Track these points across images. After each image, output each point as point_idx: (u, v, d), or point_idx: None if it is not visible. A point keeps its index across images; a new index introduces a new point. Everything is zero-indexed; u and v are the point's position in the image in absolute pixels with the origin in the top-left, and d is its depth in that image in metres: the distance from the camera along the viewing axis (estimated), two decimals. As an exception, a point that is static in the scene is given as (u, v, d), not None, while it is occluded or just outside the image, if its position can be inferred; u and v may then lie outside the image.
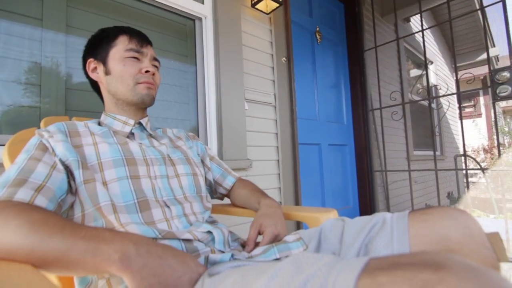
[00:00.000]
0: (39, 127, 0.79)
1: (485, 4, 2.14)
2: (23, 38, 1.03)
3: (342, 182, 2.39)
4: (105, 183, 0.60)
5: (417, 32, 2.46)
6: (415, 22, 3.84)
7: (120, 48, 0.72)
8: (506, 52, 1.90)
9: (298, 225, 1.73)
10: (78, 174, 0.58)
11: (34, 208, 0.46)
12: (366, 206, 2.46)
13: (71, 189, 0.58)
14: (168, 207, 0.64)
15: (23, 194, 0.49)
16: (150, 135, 0.77)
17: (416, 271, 0.24)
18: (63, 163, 0.58)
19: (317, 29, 2.24)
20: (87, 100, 1.13)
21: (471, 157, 2.93)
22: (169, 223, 0.61)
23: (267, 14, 1.70)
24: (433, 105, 4.16)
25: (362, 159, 2.50)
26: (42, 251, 0.40)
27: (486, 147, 7.38)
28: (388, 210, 2.54)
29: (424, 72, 2.42)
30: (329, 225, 0.57)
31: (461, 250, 0.44)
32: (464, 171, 2.15)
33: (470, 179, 5.41)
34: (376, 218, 0.52)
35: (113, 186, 0.60)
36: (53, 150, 0.59)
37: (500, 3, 1.93)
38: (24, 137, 0.72)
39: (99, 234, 0.42)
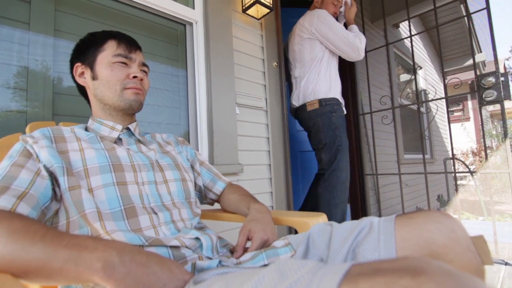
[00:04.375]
0: (24, 132, 0.77)
1: (471, 11, 2.20)
2: (9, 42, 1.01)
3: None
4: (90, 190, 0.59)
5: (405, 38, 2.51)
6: (404, 28, 3.91)
7: (108, 53, 0.71)
8: (492, 57, 1.95)
9: (290, 230, 1.72)
10: (63, 181, 0.56)
11: (16, 216, 0.45)
12: (358, 209, 2.48)
13: (56, 196, 0.57)
14: (156, 213, 0.63)
15: (4, 202, 0.48)
16: (139, 141, 0.77)
17: (396, 277, 0.24)
18: (47, 169, 0.57)
19: None
20: (75, 105, 1.12)
21: (460, 160, 3.00)
22: (156, 230, 0.61)
23: (258, 19, 1.72)
24: (422, 109, 4.24)
25: (353, 163, 2.52)
26: (22, 260, 0.39)
27: (475, 150, 7.53)
28: (380, 213, 2.57)
29: (413, 77, 2.47)
30: (317, 230, 0.57)
31: (446, 254, 0.44)
32: (453, 174, 2.18)
33: (460, 182, 5.51)
34: (363, 223, 0.52)
35: (99, 192, 0.59)
36: (37, 156, 0.58)
37: (485, 10, 1.99)
38: (8, 143, 0.71)
39: (81, 242, 0.41)
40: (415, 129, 3.84)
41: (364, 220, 0.53)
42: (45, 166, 0.57)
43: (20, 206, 0.49)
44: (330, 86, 1.76)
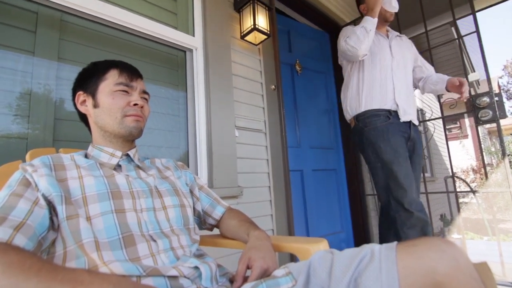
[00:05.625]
0: (24, 159, 0.78)
1: (461, 33, 2.28)
2: (14, 69, 1.04)
3: (331, 207, 2.37)
4: (88, 218, 0.58)
5: (400, 60, 2.57)
6: (398, 50, 4.02)
7: (110, 82, 0.73)
8: (485, 77, 2.00)
9: (292, 257, 1.68)
10: (61, 210, 0.56)
11: (11, 249, 0.45)
12: (360, 230, 2.43)
13: (53, 226, 0.57)
14: (155, 241, 0.63)
15: (1, 233, 0.48)
16: (138, 166, 0.77)
17: None
18: (45, 198, 0.57)
19: (297, 61, 2.38)
20: (76, 130, 1.13)
21: (461, 178, 2.98)
22: (155, 258, 0.60)
23: (256, 45, 1.77)
24: (420, 129, 4.27)
25: (353, 183, 2.50)
26: None
27: (475, 167, 7.51)
28: (382, 234, 2.52)
29: (409, 97, 2.51)
30: (318, 258, 0.56)
31: (450, 283, 0.43)
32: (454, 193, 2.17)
33: (462, 200, 5.45)
34: (364, 251, 0.52)
35: (97, 221, 0.59)
36: (36, 185, 0.58)
37: (475, 33, 2.06)
38: (8, 170, 0.71)
39: (77, 276, 0.40)
40: (414, 148, 3.84)
41: (365, 248, 0.52)
42: (43, 195, 0.57)
43: (17, 238, 0.49)
44: (360, 99, 1.59)
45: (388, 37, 1.73)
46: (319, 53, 2.63)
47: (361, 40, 1.51)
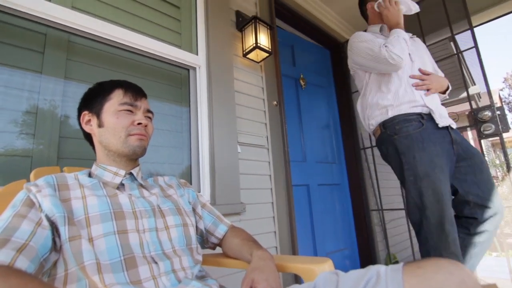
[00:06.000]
0: (29, 177, 0.78)
1: (460, 47, 2.32)
2: (21, 89, 1.06)
3: (336, 222, 2.33)
4: (91, 239, 0.58)
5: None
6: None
7: (115, 101, 0.75)
8: (486, 90, 2.01)
9: (296, 277, 1.64)
10: (64, 231, 0.56)
11: (13, 273, 0.45)
12: (365, 246, 2.39)
13: (55, 247, 0.56)
14: (156, 263, 0.62)
15: (3, 256, 0.48)
16: (141, 185, 0.77)
17: None
18: (49, 219, 0.57)
19: (301, 76, 2.38)
20: (80, 148, 1.14)
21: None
22: (156, 281, 0.59)
23: (258, 62, 1.80)
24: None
25: (357, 198, 2.48)
26: None
27: (480, 180, 7.39)
28: (388, 250, 2.47)
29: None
30: (323, 280, 0.55)
31: None
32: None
33: (468, 214, 5.34)
34: (370, 272, 0.51)
35: (100, 242, 0.58)
36: (39, 206, 0.58)
37: (474, 49, 2.09)
38: (13, 190, 0.72)
39: None
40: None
41: (371, 269, 0.51)
42: (46, 216, 0.57)
43: (19, 260, 0.49)
44: (387, 104, 1.40)
45: None
46: (321, 68, 2.67)
47: (405, 51, 1.38)
